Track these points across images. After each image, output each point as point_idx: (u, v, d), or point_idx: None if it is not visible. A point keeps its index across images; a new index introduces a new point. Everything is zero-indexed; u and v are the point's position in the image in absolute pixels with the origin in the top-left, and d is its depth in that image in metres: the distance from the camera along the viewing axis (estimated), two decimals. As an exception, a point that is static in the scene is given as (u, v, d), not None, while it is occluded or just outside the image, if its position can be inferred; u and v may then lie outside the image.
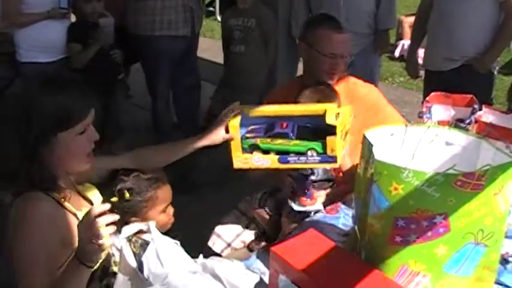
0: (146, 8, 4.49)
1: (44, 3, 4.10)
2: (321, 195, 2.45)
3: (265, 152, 2.17)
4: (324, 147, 2.09)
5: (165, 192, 2.14)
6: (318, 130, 2.11)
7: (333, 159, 2.09)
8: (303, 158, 2.13)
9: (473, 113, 2.32)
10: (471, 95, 2.41)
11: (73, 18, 4.47)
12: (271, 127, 2.20)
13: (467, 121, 2.29)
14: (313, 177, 2.43)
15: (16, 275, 1.70)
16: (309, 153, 2.11)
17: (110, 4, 4.45)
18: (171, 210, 2.17)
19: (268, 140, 2.18)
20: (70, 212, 1.79)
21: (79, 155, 1.80)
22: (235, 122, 2.16)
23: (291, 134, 2.14)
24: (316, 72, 2.73)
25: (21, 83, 4.10)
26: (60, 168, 1.79)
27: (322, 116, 2.08)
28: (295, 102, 2.52)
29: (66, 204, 1.79)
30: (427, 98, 2.45)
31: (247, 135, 2.21)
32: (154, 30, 4.53)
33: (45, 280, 1.65)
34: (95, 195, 1.99)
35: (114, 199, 2.04)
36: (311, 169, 2.51)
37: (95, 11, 4.24)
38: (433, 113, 2.41)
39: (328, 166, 2.33)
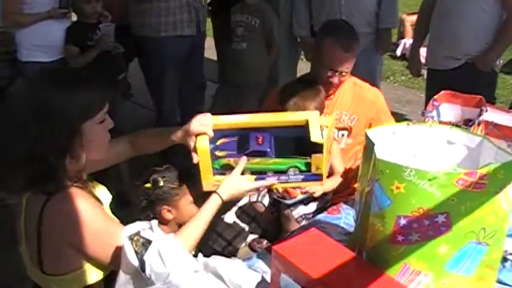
0: (151, 9, 4.49)
1: (45, 3, 4.11)
2: None
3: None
4: (308, 164, 1.91)
5: (194, 185, 2.19)
6: (299, 142, 1.93)
7: (318, 177, 1.93)
8: (283, 177, 1.95)
9: (480, 114, 2.26)
10: (480, 96, 2.36)
11: (74, 18, 4.46)
12: (245, 140, 1.98)
13: (471, 123, 2.24)
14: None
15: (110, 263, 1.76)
16: (291, 171, 1.94)
17: (110, 4, 4.44)
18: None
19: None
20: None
21: (101, 143, 1.87)
22: (203, 146, 1.91)
23: (270, 152, 1.93)
24: (315, 76, 2.75)
25: (22, 82, 4.09)
26: (85, 159, 1.83)
27: (305, 127, 1.93)
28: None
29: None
30: (435, 97, 2.41)
31: (218, 153, 1.98)
32: (159, 31, 4.53)
33: None
34: (103, 194, 2.01)
35: (148, 185, 2.15)
36: None
37: (95, 11, 4.24)
38: (441, 112, 2.37)
39: (312, 184, 2.10)
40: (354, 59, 2.70)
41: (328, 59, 2.67)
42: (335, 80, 2.69)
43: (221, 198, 1.96)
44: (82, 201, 1.73)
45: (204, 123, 1.95)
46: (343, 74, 2.70)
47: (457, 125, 2.11)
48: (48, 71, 2.06)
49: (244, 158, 1.94)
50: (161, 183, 2.14)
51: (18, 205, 1.82)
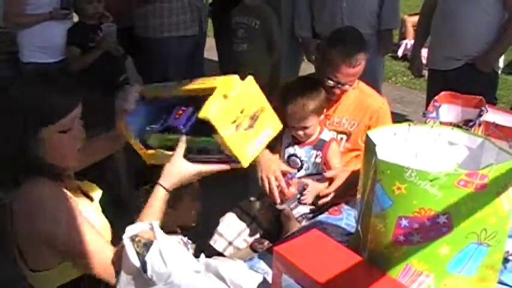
0: (154, 10, 4.50)
1: (47, 4, 4.11)
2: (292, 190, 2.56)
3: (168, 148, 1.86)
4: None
5: (195, 186, 2.22)
6: None
7: (235, 160, 1.70)
8: (203, 156, 1.78)
9: (480, 115, 2.25)
10: (480, 96, 2.36)
11: (75, 18, 4.47)
12: (167, 112, 1.87)
13: (471, 123, 2.24)
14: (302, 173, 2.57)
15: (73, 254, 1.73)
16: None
17: (109, 5, 4.45)
18: (196, 206, 2.25)
19: (160, 135, 1.89)
20: (71, 197, 1.82)
21: (64, 152, 1.79)
22: (119, 122, 1.90)
23: (183, 128, 1.79)
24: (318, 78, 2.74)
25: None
26: (53, 162, 1.79)
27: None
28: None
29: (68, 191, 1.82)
30: (436, 98, 2.41)
31: (148, 127, 1.93)
32: (162, 32, 4.54)
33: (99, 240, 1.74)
34: (95, 192, 2.01)
35: (147, 187, 2.10)
36: (301, 164, 2.63)
37: (97, 11, 4.25)
38: (440, 113, 2.37)
39: (234, 166, 1.77)
40: (360, 71, 2.65)
41: (333, 71, 2.62)
42: (337, 91, 2.67)
43: (165, 189, 1.82)
44: (45, 189, 1.71)
45: (123, 98, 1.95)
46: (349, 86, 2.68)
47: (457, 126, 2.11)
48: (33, 70, 2.05)
49: (184, 138, 1.78)
50: None
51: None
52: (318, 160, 2.66)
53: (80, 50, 4.20)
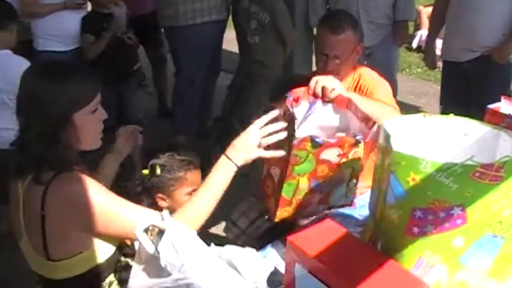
0: None
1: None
2: None
3: None
4: None
5: (194, 176, 2.21)
6: None
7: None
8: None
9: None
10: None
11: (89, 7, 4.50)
12: None
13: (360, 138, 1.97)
14: None
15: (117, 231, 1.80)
16: None
17: None
18: None
19: None
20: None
21: (93, 133, 1.89)
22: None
23: None
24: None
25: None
26: (79, 148, 1.87)
27: None
28: None
29: None
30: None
31: None
32: (195, 18, 4.51)
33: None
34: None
35: (146, 172, 2.16)
36: None
37: (110, 0, 4.27)
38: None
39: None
40: (347, 42, 2.62)
41: (318, 43, 2.70)
42: (329, 66, 2.63)
43: (236, 165, 1.87)
44: (82, 182, 1.76)
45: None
46: (336, 59, 2.63)
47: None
48: (41, 63, 2.09)
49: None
50: (158, 172, 2.13)
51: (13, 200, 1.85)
52: None
53: (95, 38, 4.23)
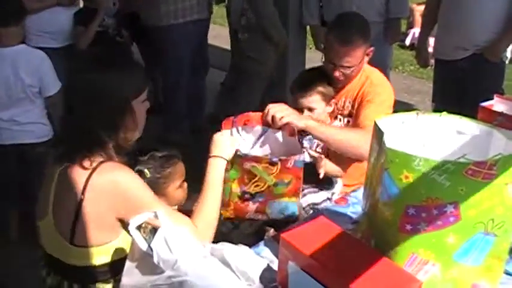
0: None
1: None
2: None
3: None
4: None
5: (180, 168, 2.22)
6: None
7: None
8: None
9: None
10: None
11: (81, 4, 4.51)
12: None
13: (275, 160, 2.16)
14: None
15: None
16: None
17: None
18: (185, 185, 2.25)
19: None
20: None
21: (142, 121, 1.95)
22: None
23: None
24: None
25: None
26: (134, 136, 1.95)
27: None
28: None
29: None
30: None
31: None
32: (177, 17, 4.52)
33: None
34: None
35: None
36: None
37: None
38: None
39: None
40: (357, 52, 2.60)
41: (329, 53, 2.66)
42: (336, 74, 2.64)
43: (225, 159, 2.03)
44: (130, 174, 1.83)
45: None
46: (347, 68, 2.63)
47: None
48: (93, 55, 2.12)
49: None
50: (148, 175, 2.11)
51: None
52: (319, 149, 2.65)
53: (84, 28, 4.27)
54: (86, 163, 1.78)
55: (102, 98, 1.81)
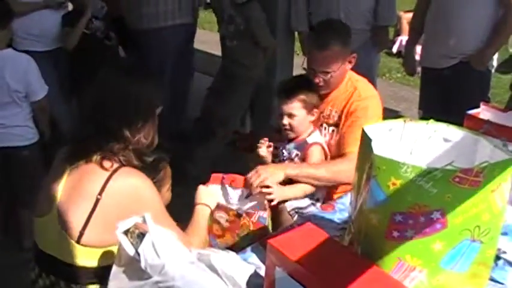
0: (149, 0, 4.47)
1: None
2: None
3: None
4: None
5: (168, 171, 2.26)
6: None
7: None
8: None
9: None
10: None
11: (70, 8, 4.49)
12: None
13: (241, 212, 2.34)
14: None
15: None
16: None
17: None
18: (170, 187, 2.30)
19: None
20: None
21: (156, 131, 2.05)
22: None
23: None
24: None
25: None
26: (153, 144, 2.05)
27: None
28: None
29: None
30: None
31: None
32: (158, 21, 4.52)
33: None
34: None
35: None
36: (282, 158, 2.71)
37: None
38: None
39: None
40: (334, 58, 2.63)
41: (309, 59, 2.70)
42: (316, 80, 2.67)
43: (210, 207, 2.24)
44: (148, 181, 1.90)
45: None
46: (326, 74, 2.65)
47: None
48: (126, 67, 2.34)
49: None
50: None
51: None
52: (296, 160, 2.67)
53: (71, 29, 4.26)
54: (107, 163, 1.82)
55: (136, 101, 1.92)
